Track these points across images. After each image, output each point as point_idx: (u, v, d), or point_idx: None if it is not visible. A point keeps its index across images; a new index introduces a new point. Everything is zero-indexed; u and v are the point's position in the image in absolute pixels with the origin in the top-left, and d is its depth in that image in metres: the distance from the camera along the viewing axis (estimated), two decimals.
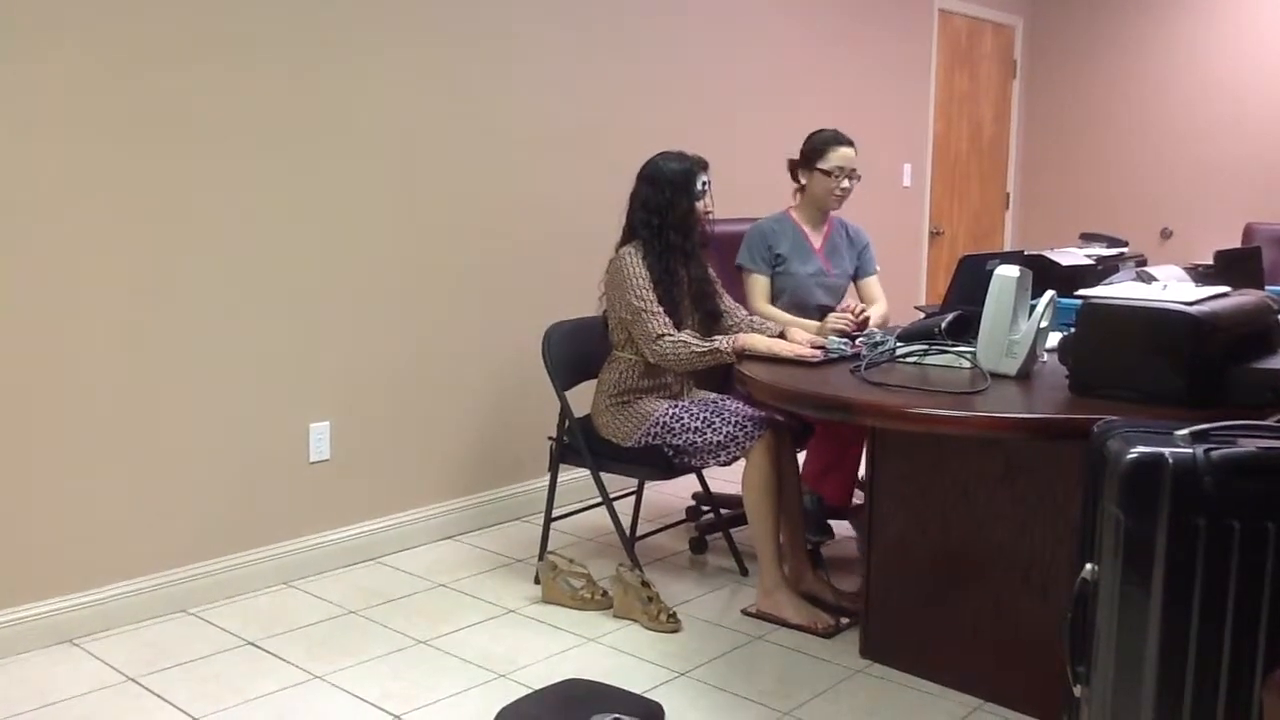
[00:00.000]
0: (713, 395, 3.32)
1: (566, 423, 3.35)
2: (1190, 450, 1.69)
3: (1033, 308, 2.65)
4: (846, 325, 3.26)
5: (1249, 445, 1.70)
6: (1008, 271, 2.64)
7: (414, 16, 3.60)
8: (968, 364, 2.70)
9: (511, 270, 3.99)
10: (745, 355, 2.97)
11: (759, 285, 3.57)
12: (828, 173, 3.54)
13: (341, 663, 2.86)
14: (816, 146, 3.57)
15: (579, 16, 4.13)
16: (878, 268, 3.80)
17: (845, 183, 3.56)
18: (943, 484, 2.72)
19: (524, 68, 3.95)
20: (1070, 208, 6.85)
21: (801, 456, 3.51)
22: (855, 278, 3.76)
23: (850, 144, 3.57)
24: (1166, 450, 1.69)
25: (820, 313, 3.51)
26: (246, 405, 3.30)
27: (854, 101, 5.56)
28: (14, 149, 2.79)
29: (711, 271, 3.35)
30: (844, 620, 3.09)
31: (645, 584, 3.12)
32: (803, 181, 3.63)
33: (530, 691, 2.56)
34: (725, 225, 3.55)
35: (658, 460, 3.20)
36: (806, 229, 3.65)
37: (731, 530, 3.62)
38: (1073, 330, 2.44)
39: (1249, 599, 1.66)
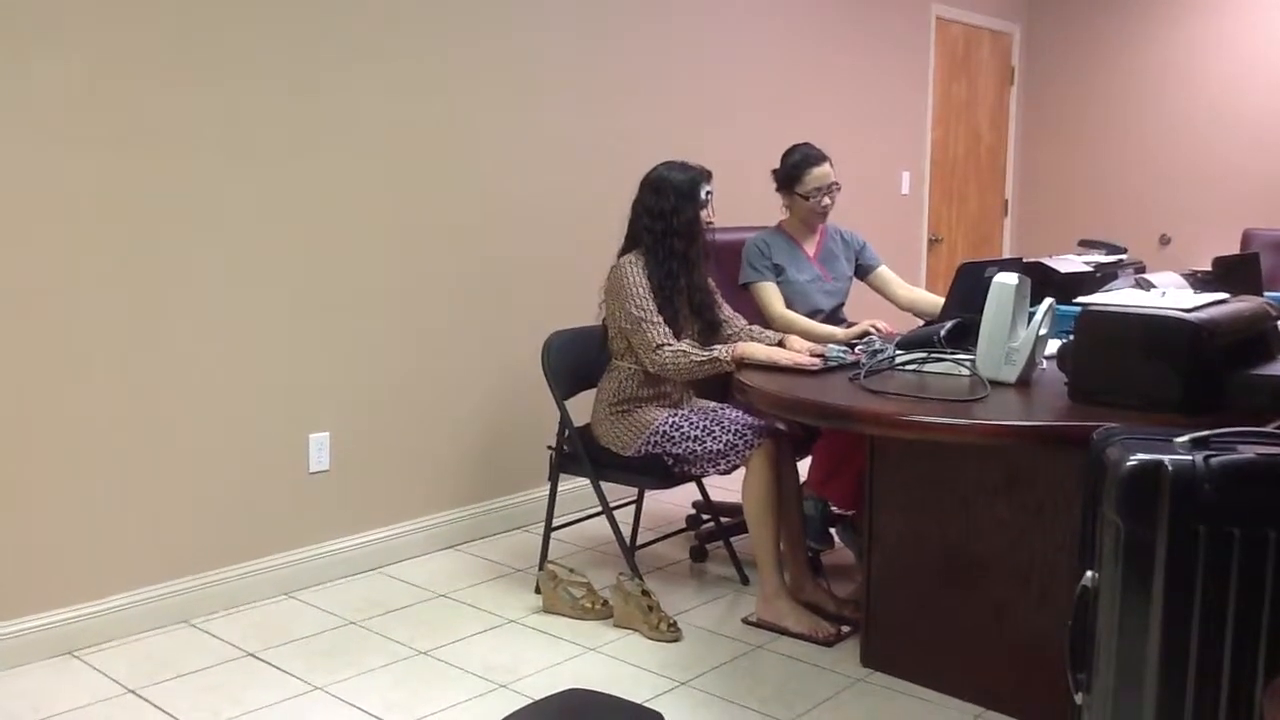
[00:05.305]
0: (712, 404, 3.32)
1: (566, 432, 3.35)
2: (1189, 457, 1.69)
3: (1031, 315, 2.65)
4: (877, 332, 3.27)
5: (1248, 452, 1.71)
6: (1006, 279, 2.64)
7: (412, 26, 3.61)
8: (967, 372, 2.70)
9: (511, 279, 3.99)
10: (744, 364, 2.98)
11: (770, 292, 3.56)
12: (806, 196, 3.55)
13: (342, 674, 2.86)
14: (791, 171, 3.58)
15: (580, 26, 4.13)
16: (882, 262, 3.81)
17: (826, 200, 3.58)
18: (942, 492, 2.72)
19: (524, 77, 3.96)
20: (1068, 215, 6.85)
21: (806, 463, 3.50)
22: (864, 276, 3.76)
23: (823, 160, 3.56)
24: (1166, 457, 1.69)
25: (822, 319, 3.55)
26: (246, 416, 3.30)
27: (852, 110, 5.57)
28: (14, 158, 2.80)
29: (711, 282, 3.35)
30: (845, 629, 3.09)
31: (645, 593, 3.12)
32: (786, 203, 3.65)
33: (531, 701, 2.55)
34: (725, 235, 3.56)
35: (657, 469, 3.20)
36: (799, 239, 3.66)
37: (732, 539, 3.62)
38: (1071, 337, 2.44)
39: (1249, 606, 1.66)
